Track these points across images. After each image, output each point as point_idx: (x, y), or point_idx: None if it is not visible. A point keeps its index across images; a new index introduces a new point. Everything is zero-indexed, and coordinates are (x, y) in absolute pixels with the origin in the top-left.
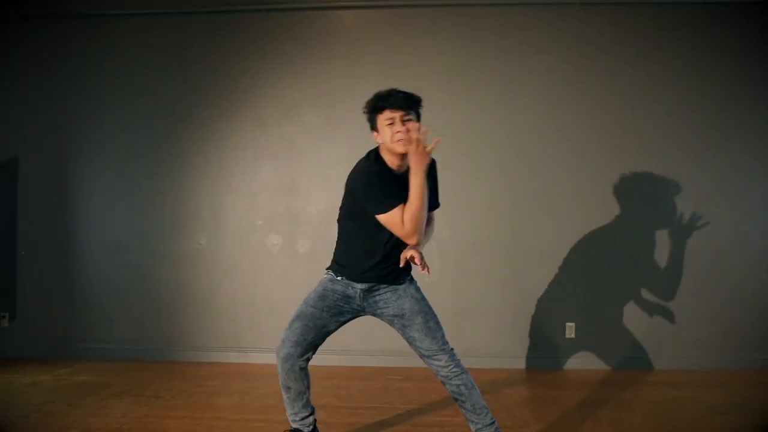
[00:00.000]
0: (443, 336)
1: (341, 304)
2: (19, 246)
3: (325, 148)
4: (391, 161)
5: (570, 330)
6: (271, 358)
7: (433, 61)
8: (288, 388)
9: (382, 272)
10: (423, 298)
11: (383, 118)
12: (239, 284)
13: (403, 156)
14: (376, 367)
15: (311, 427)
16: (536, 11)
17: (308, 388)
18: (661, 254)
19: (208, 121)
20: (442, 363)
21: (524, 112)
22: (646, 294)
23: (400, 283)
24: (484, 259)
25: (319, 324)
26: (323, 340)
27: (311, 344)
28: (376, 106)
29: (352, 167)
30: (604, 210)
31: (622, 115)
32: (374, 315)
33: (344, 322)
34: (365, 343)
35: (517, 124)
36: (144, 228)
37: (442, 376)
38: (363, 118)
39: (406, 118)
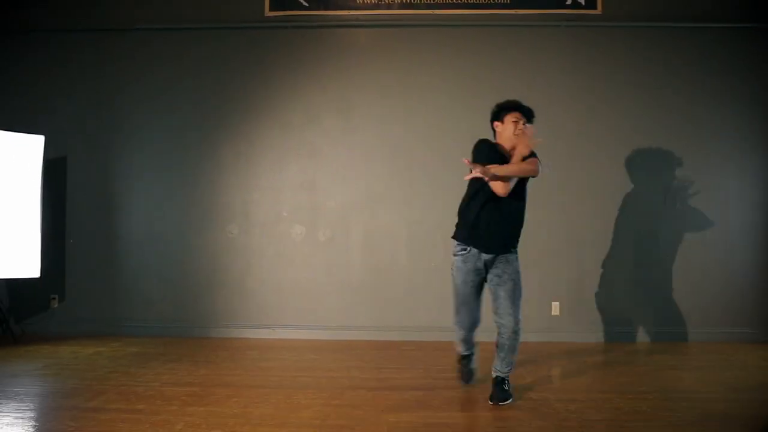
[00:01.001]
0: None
1: (475, 274)
2: (68, 235)
3: (343, 151)
4: (502, 147)
5: (555, 308)
6: (296, 333)
7: (437, 74)
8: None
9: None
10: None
11: (512, 116)
12: (267, 269)
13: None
14: (389, 340)
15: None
16: (534, 29)
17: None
18: (642, 237)
19: (239, 126)
20: (504, 322)
21: None
22: (626, 274)
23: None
24: None
25: (473, 299)
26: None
27: (476, 318)
28: (509, 106)
29: (365, 169)
30: (590, 196)
31: (607, 114)
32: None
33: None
34: (380, 319)
35: None
36: (182, 220)
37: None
38: (375, 126)
39: (525, 122)
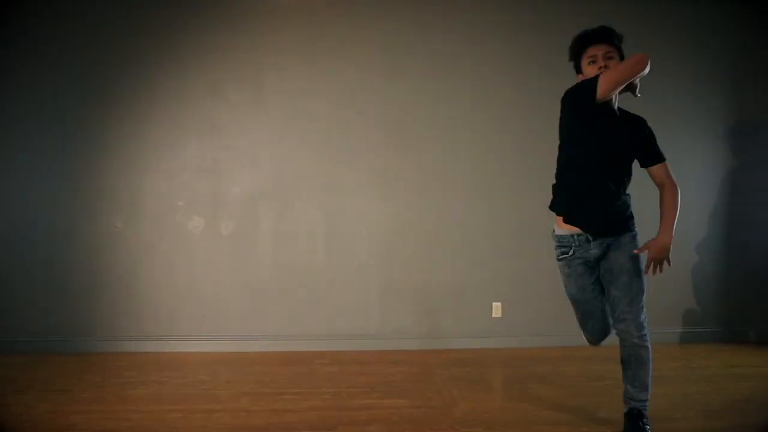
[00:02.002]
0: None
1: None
2: None
3: (251, 129)
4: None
5: (496, 309)
6: (191, 346)
7: (371, 37)
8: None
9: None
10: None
11: (586, 57)
12: (158, 269)
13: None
14: (303, 351)
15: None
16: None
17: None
18: None
19: (125, 99)
20: (622, 327)
21: (455, 102)
22: None
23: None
24: (411, 240)
25: (597, 307)
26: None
27: (607, 326)
28: (577, 46)
29: (277, 150)
30: (531, 192)
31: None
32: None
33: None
34: (292, 327)
35: (447, 112)
36: (53, 211)
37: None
38: (293, 97)
39: (608, 55)
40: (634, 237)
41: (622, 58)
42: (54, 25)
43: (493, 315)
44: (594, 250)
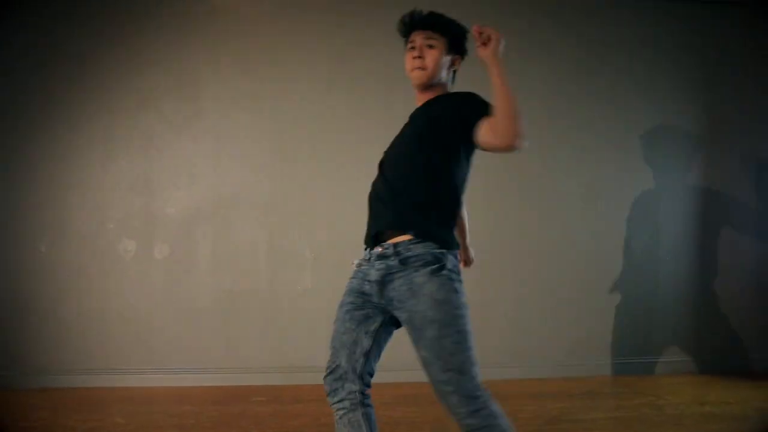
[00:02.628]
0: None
1: (360, 303)
2: None
3: (187, 143)
4: (418, 98)
5: None
6: (122, 380)
7: (315, 48)
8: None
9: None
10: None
11: (408, 44)
12: (87, 295)
13: (427, 91)
14: (240, 386)
15: None
16: None
17: None
18: (557, 254)
19: (51, 110)
20: (451, 402)
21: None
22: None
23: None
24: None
25: (346, 341)
26: (367, 363)
27: (346, 372)
28: (403, 26)
29: (216, 165)
30: (503, 211)
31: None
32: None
33: (376, 330)
34: (230, 360)
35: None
36: None
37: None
38: (229, 112)
39: (429, 42)
40: (440, 268)
41: (458, 51)
42: None
43: None
44: (372, 270)
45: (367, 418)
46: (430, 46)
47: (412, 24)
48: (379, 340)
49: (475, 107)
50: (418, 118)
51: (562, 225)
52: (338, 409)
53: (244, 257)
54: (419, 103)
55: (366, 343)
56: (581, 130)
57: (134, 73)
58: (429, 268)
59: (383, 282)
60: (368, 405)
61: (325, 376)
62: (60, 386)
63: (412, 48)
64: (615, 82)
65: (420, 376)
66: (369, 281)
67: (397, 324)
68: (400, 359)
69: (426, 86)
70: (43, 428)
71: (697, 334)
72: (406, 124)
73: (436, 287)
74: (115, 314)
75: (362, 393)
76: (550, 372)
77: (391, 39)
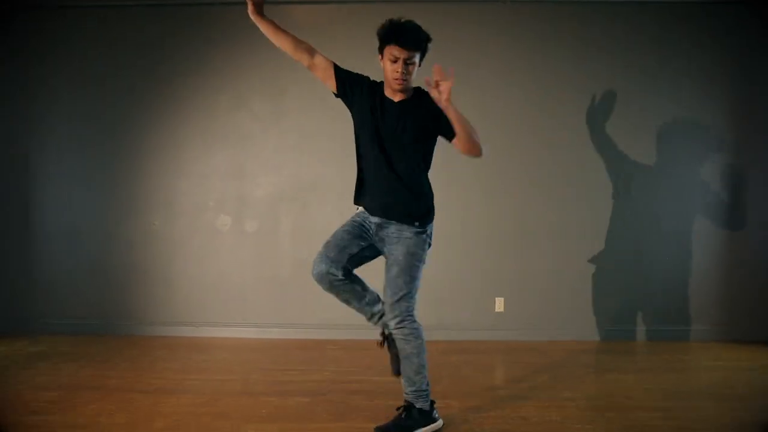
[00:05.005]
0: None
1: (360, 230)
2: None
3: (274, 137)
4: (390, 93)
5: (499, 304)
6: (220, 331)
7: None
8: (346, 301)
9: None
10: (416, 254)
11: (389, 51)
12: (190, 262)
13: (403, 89)
14: (317, 339)
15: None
16: (469, 7)
17: (364, 289)
18: (585, 232)
19: (163, 111)
20: (390, 317)
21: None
22: (577, 269)
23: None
24: None
25: (340, 244)
26: (348, 260)
27: (334, 260)
28: (386, 37)
29: (297, 157)
30: (536, 190)
31: (548, 105)
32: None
33: (365, 248)
34: (308, 317)
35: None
36: (99, 212)
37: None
38: (314, 109)
39: (410, 61)
40: (420, 232)
41: (423, 58)
42: (95, 47)
43: (496, 310)
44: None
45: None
46: (411, 63)
47: (399, 40)
48: (361, 254)
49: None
50: (407, 113)
51: (600, 214)
52: (326, 287)
53: (319, 233)
54: (393, 97)
55: (353, 249)
56: (617, 128)
57: (230, 78)
58: (416, 230)
59: (381, 226)
60: (344, 280)
61: (314, 264)
62: (168, 335)
63: (396, 62)
64: (640, 78)
65: None
66: (370, 222)
67: (375, 256)
68: None
69: (402, 90)
70: (165, 359)
71: (723, 306)
72: (393, 112)
73: (413, 243)
74: (213, 277)
75: (338, 277)
76: (589, 335)
77: (440, 41)
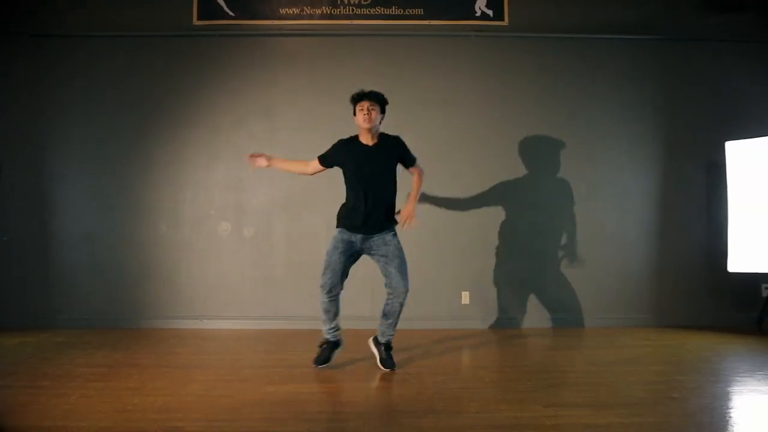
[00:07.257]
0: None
1: (348, 246)
2: (0, 233)
3: (269, 153)
4: (364, 138)
5: (465, 297)
6: (221, 323)
7: (356, 80)
8: (328, 311)
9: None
10: (400, 248)
11: (358, 107)
12: (194, 263)
13: (371, 135)
14: (308, 329)
15: (338, 333)
16: (447, 39)
17: (338, 311)
18: (543, 231)
19: (170, 128)
20: (402, 291)
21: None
22: (528, 266)
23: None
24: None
25: (338, 268)
26: (342, 277)
27: (339, 282)
28: (356, 98)
29: None
30: (495, 201)
31: (515, 116)
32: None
33: (352, 262)
34: (300, 310)
35: (428, 129)
36: (113, 218)
37: (391, 299)
38: (304, 128)
39: (372, 108)
40: (394, 235)
41: (383, 111)
42: (111, 72)
43: (463, 302)
44: (357, 238)
45: (338, 301)
46: (373, 110)
47: (362, 97)
48: (350, 267)
49: (412, 156)
50: (380, 154)
51: (548, 217)
52: (330, 299)
53: (309, 238)
54: (366, 141)
55: (347, 269)
56: (567, 148)
57: (230, 101)
58: (391, 234)
59: (366, 238)
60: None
61: (326, 285)
62: (173, 327)
63: (362, 110)
64: (588, 103)
65: None
66: (356, 236)
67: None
68: None
69: (371, 131)
70: (177, 345)
71: (656, 296)
72: (370, 154)
73: (396, 241)
74: (215, 276)
75: (339, 292)
76: (540, 323)
77: (415, 71)
